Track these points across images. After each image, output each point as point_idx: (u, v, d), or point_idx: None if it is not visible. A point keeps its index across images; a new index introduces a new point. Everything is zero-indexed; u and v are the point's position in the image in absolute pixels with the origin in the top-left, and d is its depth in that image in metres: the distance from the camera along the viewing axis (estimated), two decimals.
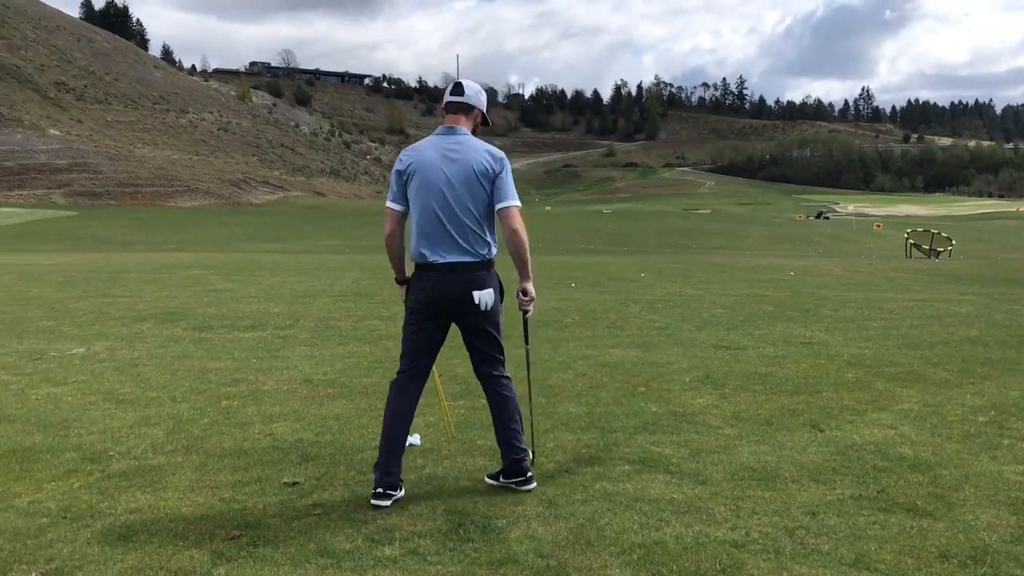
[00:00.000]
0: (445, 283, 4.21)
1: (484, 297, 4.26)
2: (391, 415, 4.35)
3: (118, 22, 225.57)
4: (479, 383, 4.56)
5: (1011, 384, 7.00)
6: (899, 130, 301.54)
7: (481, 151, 4.23)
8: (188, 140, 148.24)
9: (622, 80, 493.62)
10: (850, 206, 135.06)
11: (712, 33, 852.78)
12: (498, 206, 4.24)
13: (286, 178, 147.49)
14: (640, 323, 10.73)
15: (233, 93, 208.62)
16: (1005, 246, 51.62)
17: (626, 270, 21.67)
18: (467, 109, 4.39)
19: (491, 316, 4.36)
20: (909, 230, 47.20)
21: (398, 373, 4.46)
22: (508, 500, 4.19)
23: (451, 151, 4.22)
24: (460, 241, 4.19)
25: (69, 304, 12.49)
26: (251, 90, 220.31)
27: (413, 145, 4.40)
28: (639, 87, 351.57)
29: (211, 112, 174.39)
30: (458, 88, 4.38)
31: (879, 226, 68.36)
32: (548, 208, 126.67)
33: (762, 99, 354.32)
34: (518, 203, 4.30)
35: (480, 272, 4.25)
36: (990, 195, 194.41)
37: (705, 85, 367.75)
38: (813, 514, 3.98)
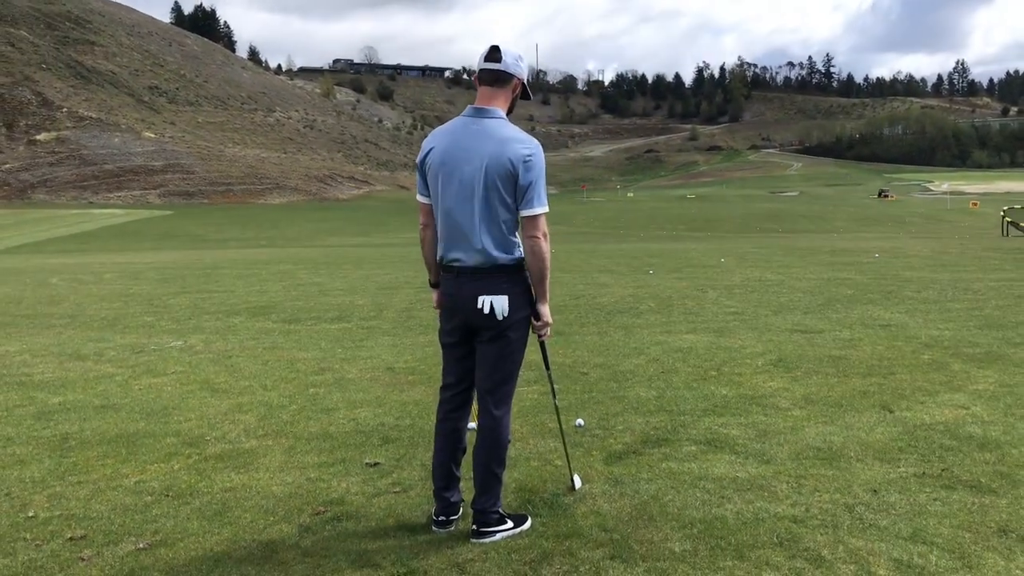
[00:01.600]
0: (459, 288, 3.71)
1: (495, 303, 3.65)
2: (441, 457, 3.92)
3: (207, 25, 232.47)
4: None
5: None
6: (997, 103, 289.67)
7: (510, 142, 3.58)
8: (275, 138, 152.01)
9: (704, 62, 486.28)
10: (944, 184, 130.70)
11: (796, 10, 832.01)
12: (522, 211, 3.61)
13: (370, 173, 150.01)
14: (717, 309, 10.78)
15: (318, 91, 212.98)
16: None
17: (707, 256, 21.57)
18: (505, 79, 3.70)
19: (506, 331, 3.72)
20: (1006, 207, 45.50)
21: (440, 410, 3.99)
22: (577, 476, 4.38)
23: (475, 139, 3.61)
24: (477, 242, 3.62)
25: (167, 300, 13.15)
26: (335, 87, 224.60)
27: (439, 128, 3.81)
28: (721, 69, 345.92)
29: (297, 110, 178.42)
30: (495, 53, 3.67)
31: (975, 204, 66.05)
32: (631, 194, 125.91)
33: (850, 76, 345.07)
34: (546, 209, 3.63)
35: (497, 277, 3.66)
36: None
37: (791, 64, 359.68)
38: (874, 491, 4.07)
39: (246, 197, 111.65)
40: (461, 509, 3.91)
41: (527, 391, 6.35)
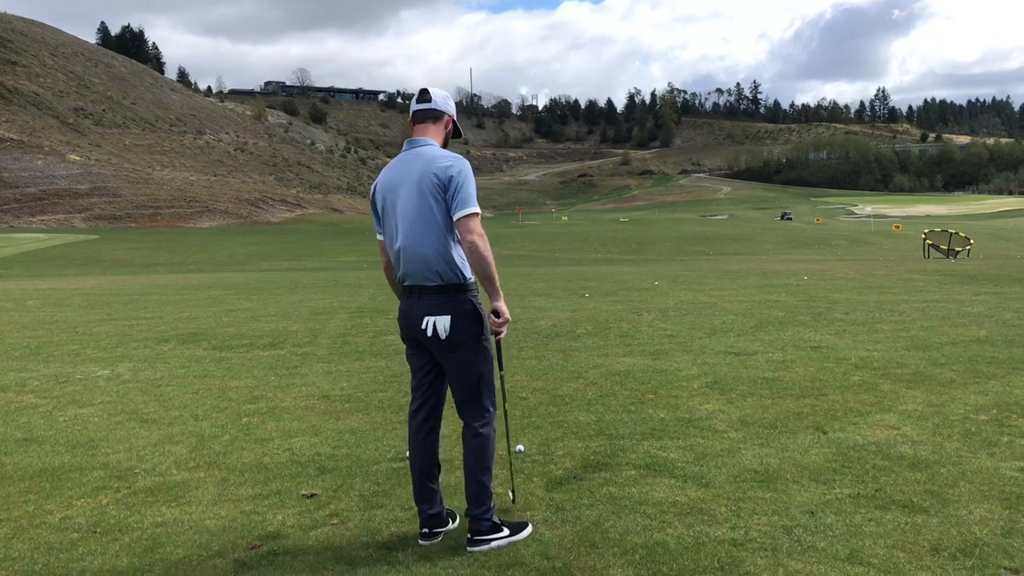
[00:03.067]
0: (411, 308, 3.90)
1: (437, 323, 3.81)
2: (416, 472, 4.05)
3: (134, 46, 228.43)
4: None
5: (1015, 382, 7.10)
6: (916, 130, 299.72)
7: (436, 159, 3.81)
8: (205, 161, 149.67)
9: (635, 88, 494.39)
10: (868, 207, 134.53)
11: (721, 39, 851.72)
12: (454, 216, 3.75)
13: (303, 196, 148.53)
14: (652, 332, 10.88)
15: (249, 113, 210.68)
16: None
17: (641, 279, 21.80)
18: (436, 116, 4.02)
19: (455, 349, 3.86)
20: (927, 231, 47.01)
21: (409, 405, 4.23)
22: (518, 505, 4.35)
23: (407, 165, 3.89)
24: (422, 263, 3.81)
25: (93, 327, 12.78)
26: (267, 109, 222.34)
27: (384, 167, 4.09)
28: (652, 95, 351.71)
29: (227, 132, 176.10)
30: (424, 95, 4.01)
31: (898, 227, 68.08)
32: (565, 218, 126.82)
33: (777, 103, 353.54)
34: (476, 209, 3.78)
35: (441, 297, 3.82)
36: (1010, 192, 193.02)
37: (719, 90, 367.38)
38: (811, 513, 4.12)
39: (175, 221, 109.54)
40: (450, 521, 4.06)
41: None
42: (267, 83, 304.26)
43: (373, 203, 4.07)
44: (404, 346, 4.12)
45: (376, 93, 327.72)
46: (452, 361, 3.90)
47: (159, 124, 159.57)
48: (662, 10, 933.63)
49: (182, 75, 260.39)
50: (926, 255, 40.88)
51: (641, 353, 9.16)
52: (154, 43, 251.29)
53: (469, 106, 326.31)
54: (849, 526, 3.94)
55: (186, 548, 3.90)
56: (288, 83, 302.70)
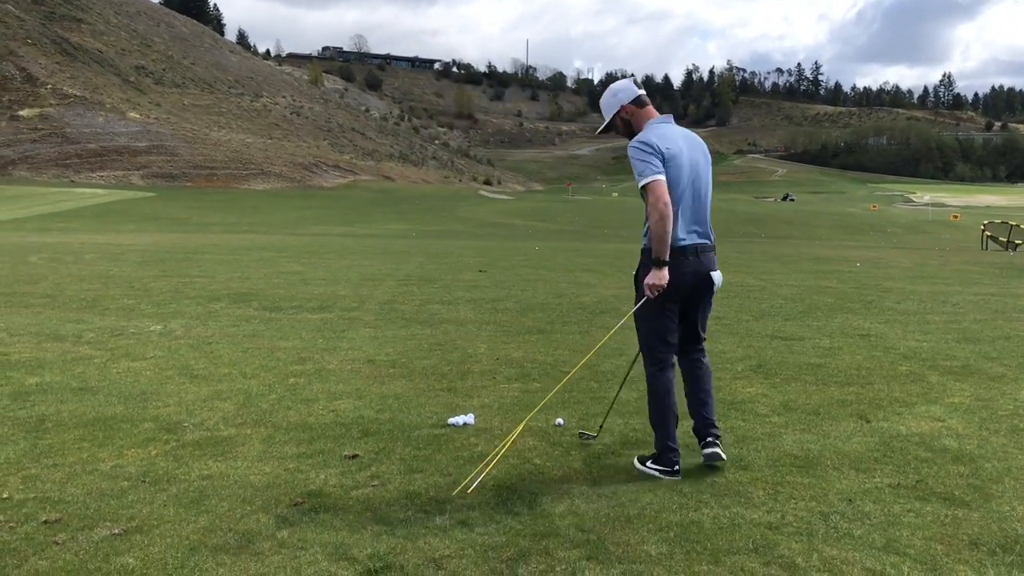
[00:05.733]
0: (700, 266, 4.49)
1: (718, 277, 4.61)
2: (673, 410, 4.63)
3: (196, 7, 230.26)
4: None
5: None
6: (981, 118, 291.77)
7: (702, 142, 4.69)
8: (262, 124, 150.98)
9: (693, 65, 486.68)
10: (926, 196, 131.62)
11: (782, 18, 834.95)
12: None
13: (356, 162, 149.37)
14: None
15: (306, 77, 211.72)
16: None
17: None
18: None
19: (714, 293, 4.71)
20: (986, 221, 45.90)
21: (662, 367, 4.64)
22: (556, 478, 4.40)
23: (687, 137, 4.60)
24: (708, 225, 4.58)
25: (148, 283, 13.06)
26: (323, 74, 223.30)
27: (654, 129, 4.50)
28: (710, 72, 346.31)
29: (284, 96, 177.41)
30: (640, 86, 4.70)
31: (956, 216, 66.59)
32: (615, 194, 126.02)
33: (838, 85, 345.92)
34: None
35: (714, 255, 4.67)
36: None
37: (779, 71, 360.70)
38: (849, 500, 4.11)
39: (230, 182, 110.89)
40: (716, 433, 4.65)
41: (508, 388, 6.37)
42: (325, 48, 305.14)
43: (660, 154, 4.37)
44: (655, 314, 4.56)
45: (432, 62, 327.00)
46: (709, 302, 4.71)
47: (217, 85, 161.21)
48: None
49: (241, 37, 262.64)
50: (984, 247, 39.96)
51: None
52: (215, 4, 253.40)
53: (524, 77, 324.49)
54: (887, 515, 3.92)
55: (230, 502, 4.01)
56: (345, 49, 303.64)
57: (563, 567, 3.35)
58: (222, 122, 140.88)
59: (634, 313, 4.69)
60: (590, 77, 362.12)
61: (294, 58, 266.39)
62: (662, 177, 4.33)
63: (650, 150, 4.37)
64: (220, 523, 3.75)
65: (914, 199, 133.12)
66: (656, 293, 4.40)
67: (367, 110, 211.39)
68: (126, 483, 4.25)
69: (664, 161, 4.37)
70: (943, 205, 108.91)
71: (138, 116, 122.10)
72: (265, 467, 4.51)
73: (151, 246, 22.41)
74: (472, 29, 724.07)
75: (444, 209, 74.00)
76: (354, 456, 4.72)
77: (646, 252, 4.49)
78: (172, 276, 14.26)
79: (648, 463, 4.52)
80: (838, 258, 23.53)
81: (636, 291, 4.65)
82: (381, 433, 5.17)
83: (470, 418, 5.43)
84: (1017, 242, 39.23)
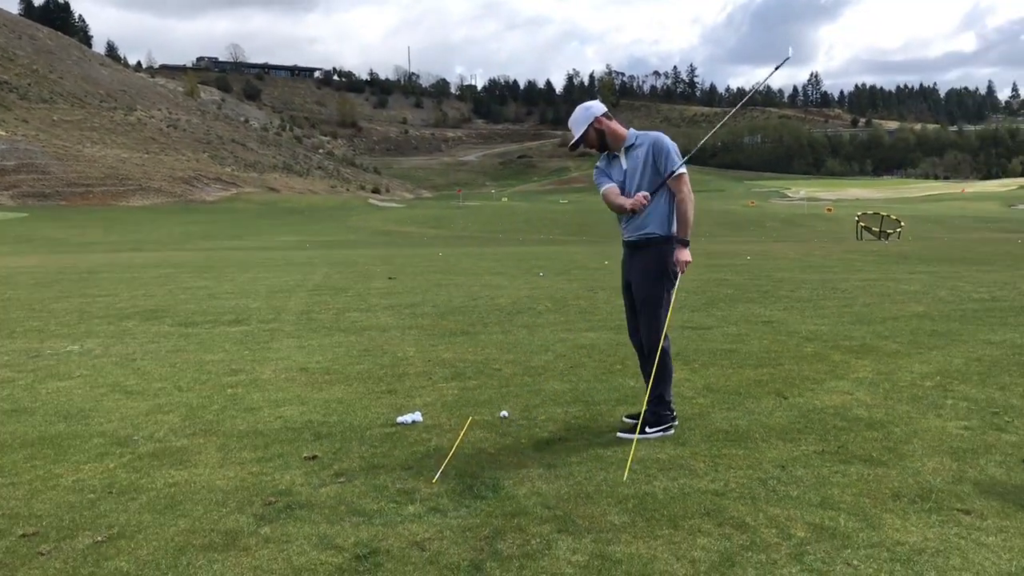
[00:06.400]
0: None
1: None
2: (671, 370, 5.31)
3: (60, 18, 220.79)
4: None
5: (955, 353, 7.64)
6: (848, 115, 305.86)
7: None
8: (137, 138, 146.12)
9: (574, 70, 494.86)
10: (802, 191, 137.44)
11: (656, 23, 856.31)
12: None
13: (238, 174, 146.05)
14: (609, 308, 11.25)
15: (181, 89, 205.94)
16: (951, 227, 53.12)
17: (590, 259, 22.22)
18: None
19: None
20: (859, 213, 48.38)
21: (666, 337, 5.20)
22: (512, 463, 4.65)
23: None
24: None
25: (48, 304, 12.71)
26: (199, 86, 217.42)
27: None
28: (591, 76, 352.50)
29: (159, 109, 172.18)
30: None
31: (830, 209, 69.81)
32: (505, 199, 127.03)
33: (712, 87, 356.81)
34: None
35: None
36: (936, 177, 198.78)
37: (656, 73, 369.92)
38: (782, 467, 4.51)
39: (107, 199, 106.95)
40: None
41: (446, 387, 6.59)
42: (199, 59, 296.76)
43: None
44: (671, 296, 5.24)
45: (312, 70, 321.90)
46: None
47: (88, 99, 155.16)
48: None
49: (111, 49, 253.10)
50: (859, 237, 42.16)
51: (603, 328, 9.52)
52: (80, 15, 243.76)
53: (407, 85, 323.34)
54: (818, 477, 4.33)
55: (204, 505, 4.11)
56: (221, 59, 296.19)
57: (538, 540, 3.62)
58: (95, 137, 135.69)
59: (650, 293, 5.21)
60: (473, 83, 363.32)
61: (167, 69, 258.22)
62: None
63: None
64: (200, 525, 3.87)
65: (789, 194, 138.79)
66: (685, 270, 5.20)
67: (247, 121, 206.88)
68: (92, 495, 4.29)
69: None
70: (817, 199, 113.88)
71: (4, 133, 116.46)
72: (228, 472, 4.62)
73: (38, 268, 21.62)
74: (351, 36, 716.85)
75: (334, 219, 73.27)
76: (313, 457, 4.86)
77: (663, 238, 5.19)
78: (72, 297, 13.88)
79: (649, 429, 5.08)
80: (728, 252, 24.54)
81: (656, 277, 5.19)
82: (334, 435, 5.32)
83: (418, 416, 5.63)
84: (889, 231, 41.53)
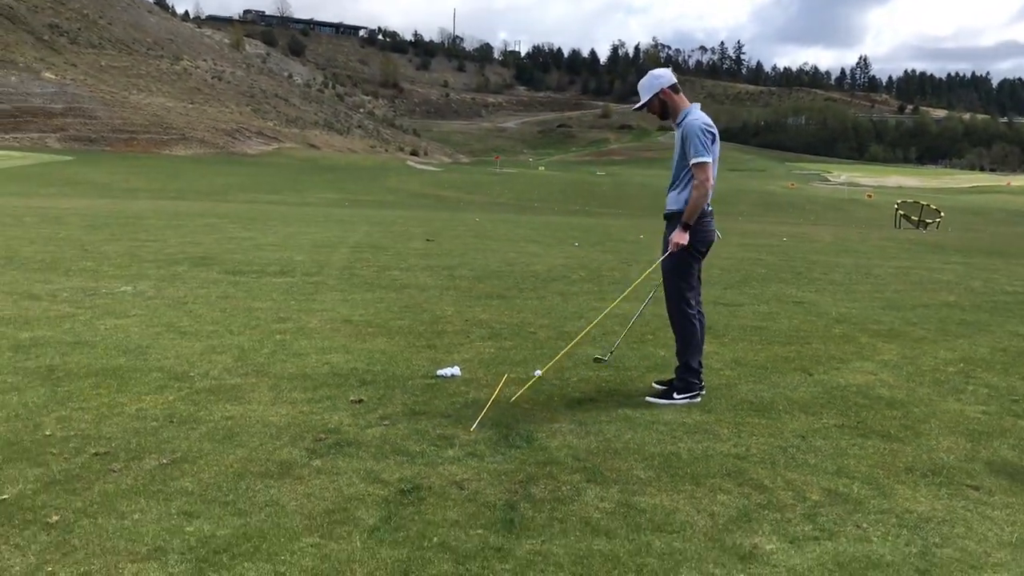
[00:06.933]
0: (714, 225, 5.56)
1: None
2: (701, 337, 5.52)
3: None
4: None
5: (980, 342, 7.79)
6: (895, 101, 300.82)
7: None
8: (183, 88, 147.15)
9: (619, 40, 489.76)
10: (842, 175, 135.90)
11: None
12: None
13: (280, 129, 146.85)
14: (643, 281, 11.44)
15: (227, 41, 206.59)
16: (992, 219, 52.43)
17: (625, 232, 22.37)
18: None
19: None
20: (899, 201, 47.92)
21: (693, 305, 5.49)
22: (545, 418, 4.93)
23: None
24: None
25: (100, 246, 13.15)
26: (245, 38, 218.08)
27: (701, 115, 5.39)
28: (636, 48, 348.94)
29: (205, 60, 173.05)
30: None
31: (871, 195, 69.09)
32: (542, 168, 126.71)
33: (759, 65, 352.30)
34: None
35: None
36: (982, 168, 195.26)
37: (703, 48, 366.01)
38: (803, 437, 4.75)
39: (150, 147, 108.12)
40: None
41: (483, 346, 6.88)
42: (246, 11, 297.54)
43: (713, 137, 5.32)
44: (691, 266, 5.51)
45: (356, 28, 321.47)
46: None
47: (136, 46, 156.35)
48: None
49: None
50: (897, 225, 41.81)
51: (636, 299, 9.72)
52: None
53: (451, 48, 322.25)
54: (836, 449, 4.57)
55: (259, 438, 4.44)
56: (268, 12, 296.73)
57: (568, 487, 3.90)
58: (141, 84, 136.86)
59: (663, 264, 5.53)
60: (517, 50, 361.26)
61: (214, 20, 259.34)
62: (711, 159, 5.25)
63: (709, 133, 5.26)
64: (256, 455, 4.19)
65: (830, 178, 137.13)
66: (678, 249, 5.32)
67: (290, 76, 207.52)
68: (155, 423, 4.63)
69: (712, 141, 5.28)
70: (858, 185, 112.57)
71: (53, 76, 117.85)
72: (280, 410, 4.94)
73: (89, 210, 22.17)
74: None
75: (373, 179, 73.66)
76: (359, 401, 5.18)
77: (676, 216, 5.40)
78: (122, 240, 14.32)
79: (676, 396, 5.36)
80: (764, 232, 24.58)
81: (664, 248, 5.50)
82: (378, 383, 5.63)
83: (456, 370, 5.92)
84: (927, 221, 41.14)
